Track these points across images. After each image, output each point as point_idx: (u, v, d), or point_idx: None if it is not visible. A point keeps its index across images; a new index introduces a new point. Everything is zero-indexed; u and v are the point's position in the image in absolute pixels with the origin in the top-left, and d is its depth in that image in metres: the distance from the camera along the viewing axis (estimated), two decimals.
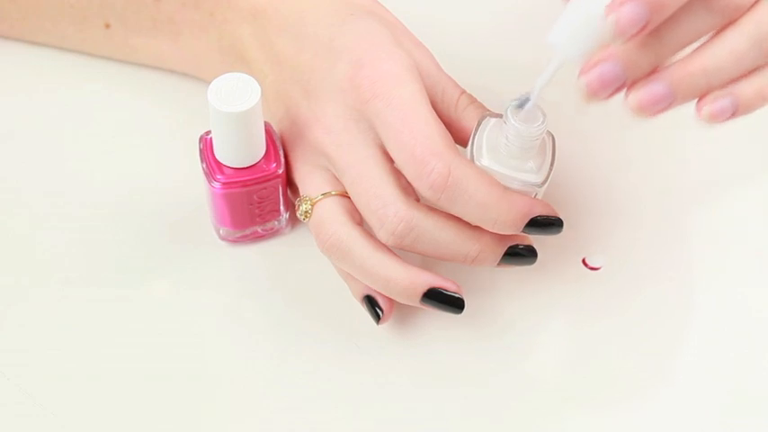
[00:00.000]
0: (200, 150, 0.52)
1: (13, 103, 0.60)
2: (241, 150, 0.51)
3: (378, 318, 0.51)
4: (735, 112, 0.46)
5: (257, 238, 0.56)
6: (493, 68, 0.60)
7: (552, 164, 0.49)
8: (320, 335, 0.53)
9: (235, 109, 0.49)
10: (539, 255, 0.51)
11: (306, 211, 0.51)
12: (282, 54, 0.53)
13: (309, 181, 0.52)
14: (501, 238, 0.49)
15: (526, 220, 0.48)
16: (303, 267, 0.55)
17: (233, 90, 0.49)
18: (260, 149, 0.52)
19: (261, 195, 0.53)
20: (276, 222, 0.55)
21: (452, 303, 0.50)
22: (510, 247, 0.50)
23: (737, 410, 0.51)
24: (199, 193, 0.55)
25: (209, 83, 0.49)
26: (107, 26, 0.57)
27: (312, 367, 0.52)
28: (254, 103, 0.49)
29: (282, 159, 0.52)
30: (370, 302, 0.51)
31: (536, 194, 0.50)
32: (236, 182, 0.52)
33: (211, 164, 0.52)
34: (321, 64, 0.51)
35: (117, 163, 0.58)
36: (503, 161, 0.49)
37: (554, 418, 0.51)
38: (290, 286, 0.54)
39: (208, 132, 0.52)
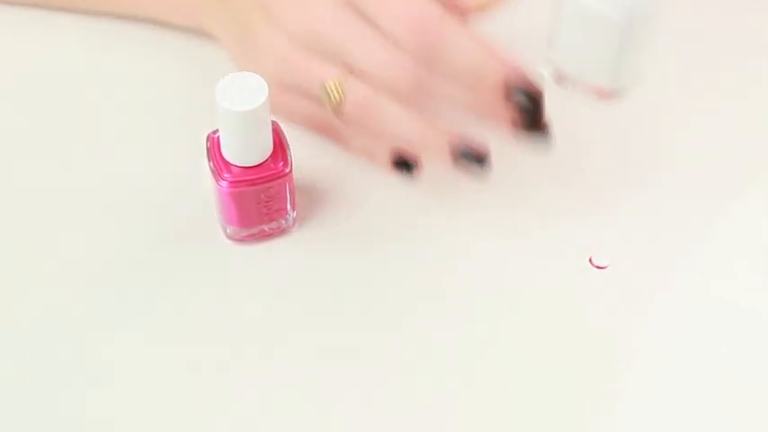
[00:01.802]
0: (208, 149, 0.52)
1: (11, 102, 0.60)
2: (248, 149, 0.51)
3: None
4: None
5: (264, 236, 0.56)
6: None
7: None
8: (326, 334, 0.53)
9: (242, 108, 0.49)
10: (545, 255, 0.51)
11: (338, 94, 0.52)
12: None
13: (313, 68, 0.52)
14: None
15: (514, 82, 0.49)
16: (310, 266, 0.55)
17: (240, 89, 0.49)
18: (267, 148, 0.52)
19: (268, 194, 0.53)
20: (283, 221, 0.55)
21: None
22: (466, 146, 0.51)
23: (742, 411, 0.51)
24: (206, 192, 0.55)
25: (179, 28, 0.50)
26: None
27: (318, 365, 0.52)
28: (261, 102, 0.49)
29: (290, 158, 0.52)
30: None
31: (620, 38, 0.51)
32: (243, 181, 0.52)
33: (219, 163, 0.52)
34: None
35: (124, 161, 0.58)
36: None
37: (559, 419, 0.51)
38: (296, 285, 0.54)
39: (215, 131, 0.52)
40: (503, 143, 0.52)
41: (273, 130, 0.52)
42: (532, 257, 0.55)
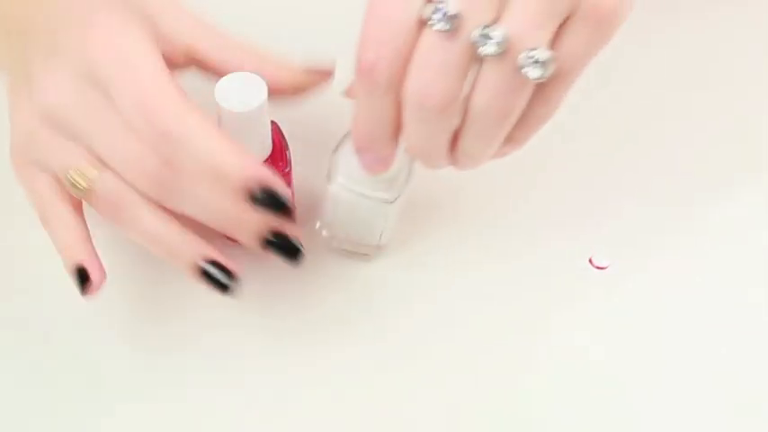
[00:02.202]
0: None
1: None
2: (247, 149, 0.51)
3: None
4: None
5: None
6: None
7: (408, 181, 0.50)
8: (322, 336, 0.53)
9: (241, 108, 0.49)
10: (541, 256, 0.50)
11: (83, 182, 0.46)
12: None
13: (56, 149, 0.46)
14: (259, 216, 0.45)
15: (258, 183, 0.43)
16: (306, 269, 0.55)
17: (240, 89, 0.49)
18: (266, 149, 0.51)
19: None
20: None
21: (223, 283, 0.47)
22: (273, 233, 0.46)
23: (744, 411, 0.51)
24: None
25: None
26: None
27: (313, 367, 0.52)
28: (260, 102, 0.49)
29: (290, 159, 0.52)
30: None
31: (387, 212, 0.51)
32: None
33: None
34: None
35: None
36: (357, 179, 0.50)
37: (559, 419, 0.51)
38: (293, 288, 0.54)
39: None
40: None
41: (273, 130, 0.52)
42: (533, 259, 0.55)
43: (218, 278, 0.46)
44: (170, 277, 0.54)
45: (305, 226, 0.56)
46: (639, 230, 0.56)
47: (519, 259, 0.55)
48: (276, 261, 0.53)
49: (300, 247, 0.46)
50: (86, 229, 0.48)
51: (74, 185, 0.46)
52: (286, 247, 0.46)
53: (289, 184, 0.53)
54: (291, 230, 0.46)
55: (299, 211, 0.56)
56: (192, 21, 0.49)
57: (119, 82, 0.44)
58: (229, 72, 0.48)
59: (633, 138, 0.60)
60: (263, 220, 0.45)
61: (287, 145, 0.52)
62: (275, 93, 0.49)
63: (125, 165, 0.45)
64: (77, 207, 0.48)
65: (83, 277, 0.47)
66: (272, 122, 0.52)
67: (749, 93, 0.63)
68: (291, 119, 0.53)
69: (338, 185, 0.51)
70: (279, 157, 0.52)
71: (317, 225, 0.55)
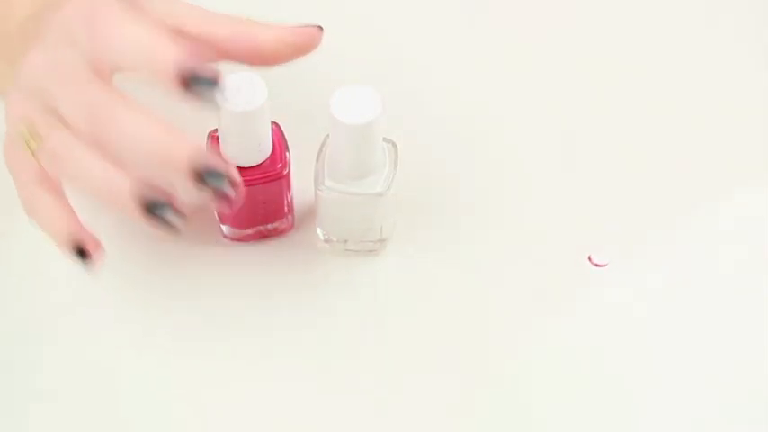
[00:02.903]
0: (207, 147, 0.52)
1: None
2: (247, 149, 0.51)
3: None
4: None
5: (261, 237, 0.55)
6: None
7: (395, 170, 0.51)
8: (322, 335, 0.53)
9: (242, 108, 0.49)
10: (540, 252, 0.50)
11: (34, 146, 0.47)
12: None
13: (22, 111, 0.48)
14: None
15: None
16: (306, 268, 0.55)
17: (240, 89, 0.49)
18: (266, 149, 0.51)
19: (266, 195, 0.53)
20: (280, 223, 0.55)
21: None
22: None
23: (741, 408, 0.51)
24: None
25: None
26: None
27: (313, 366, 0.52)
28: (261, 102, 0.49)
29: (289, 160, 0.52)
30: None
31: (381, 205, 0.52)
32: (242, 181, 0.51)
33: None
34: None
35: None
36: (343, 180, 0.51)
37: (556, 418, 0.51)
38: (292, 286, 0.54)
39: (215, 130, 0.52)
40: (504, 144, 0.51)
41: (274, 130, 0.52)
42: (531, 255, 0.55)
43: (166, 216, 0.45)
44: (167, 279, 0.54)
45: (306, 230, 0.56)
46: (638, 228, 0.56)
47: (519, 256, 0.55)
48: (284, 262, 0.54)
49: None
50: (72, 208, 0.48)
51: (27, 142, 0.47)
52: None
53: (287, 185, 0.53)
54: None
55: (298, 215, 0.56)
56: (177, 2, 0.49)
57: (83, 29, 0.45)
58: (220, 44, 0.48)
59: (632, 135, 0.60)
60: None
61: (287, 146, 0.52)
62: (267, 57, 0.49)
63: (71, 107, 0.45)
64: (59, 191, 0.48)
65: (81, 253, 0.47)
66: (274, 123, 0.52)
67: (750, 86, 0.62)
68: (294, 119, 0.53)
69: (327, 189, 0.51)
70: (278, 158, 0.52)
71: (318, 231, 0.55)
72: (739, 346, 0.53)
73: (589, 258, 0.55)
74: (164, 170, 0.44)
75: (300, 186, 0.55)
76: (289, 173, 0.52)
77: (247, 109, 0.49)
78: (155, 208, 0.44)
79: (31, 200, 0.48)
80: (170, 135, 0.44)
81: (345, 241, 0.55)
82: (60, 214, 0.48)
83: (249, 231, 0.55)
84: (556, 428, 0.50)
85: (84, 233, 0.48)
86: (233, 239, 0.56)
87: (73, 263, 0.47)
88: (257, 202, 0.53)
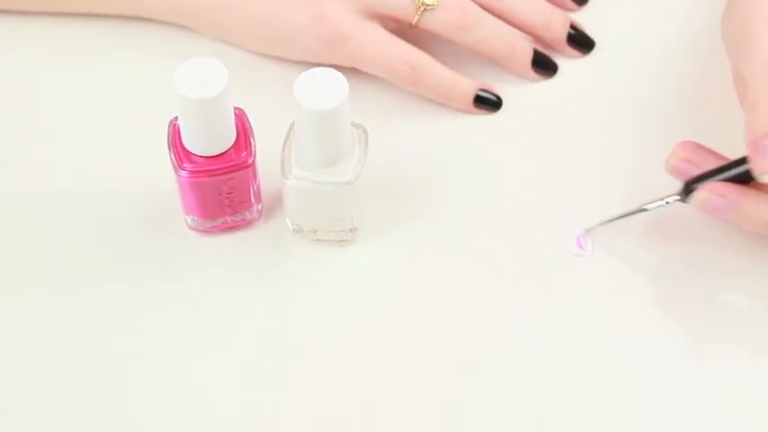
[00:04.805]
0: (169, 136, 0.50)
1: None
2: (209, 138, 0.50)
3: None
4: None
5: (228, 228, 0.54)
6: None
7: (363, 159, 0.51)
8: (293, 327, 0.52)
9: (202, 95, 0.47)
10: (515, 238, 0.52)
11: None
12: None
13: None
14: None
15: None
16: (276, 259, 0.54)
17: (200, 75, 0.47)
18: (229, 138, 0.50)
19: (230, 185, 0.51)
20: (248, 213, 0.54)
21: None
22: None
23: (742, 409, 0.51)
24: (171, 181, 0.53)
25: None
26: None
27: (285, 358, 0.51)
28: (221, 89, 0.47)
29: (254, 148, 0.51)
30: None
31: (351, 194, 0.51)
32: (204, 171, 0.50)
33: (179, 152, 0.50)
34: None
35: (87, 148, 0.57)
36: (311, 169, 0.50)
37: (549, 411, 0.50)
38: (261, 278, 0.54)
39: (177, 117, 0.50)
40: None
41: (237, 117, 0.50)
42: (506, 242, 0.55)
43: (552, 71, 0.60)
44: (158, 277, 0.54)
45: (276, 220, 0.55)
46: (619, 211, 0.55)
47: (493, 243, 0.55)
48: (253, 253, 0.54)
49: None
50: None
51: (424, 3, 0.56)
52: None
53: (254, 174, 0.52)
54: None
55: (268, 204, 0.55)
56: None
57: None
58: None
59: (617, 124, 0.59)
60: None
61: (253, 133, 0.51)
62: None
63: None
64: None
65: (484, 100, 0.58)
66: (238, 109, 0.50)
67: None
68: (260, 103, 0.53)
69: (294, 178, 0.50)
70: (243, 146, 0.50)
71: (287, 221, 0.54)
72: (726, 334, 0.52)
73: (573, 245, 0.54)
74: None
75: (269, 174, 0.53)
76: (254, 161, 0.51)
77: (207, 96, 0.47)
78: (543, 62, 0.59)
79: (418, 62, 0.57)
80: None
81: (315, 231, 0.54)
82: (448, 72, 0.58)
83: (215, 222, 0.54)
84: (534, 414, 0.50)
85: (477, 83, 0.58)
86: (198, 231, 0.54)
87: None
88: (222, 193, 0.52)
